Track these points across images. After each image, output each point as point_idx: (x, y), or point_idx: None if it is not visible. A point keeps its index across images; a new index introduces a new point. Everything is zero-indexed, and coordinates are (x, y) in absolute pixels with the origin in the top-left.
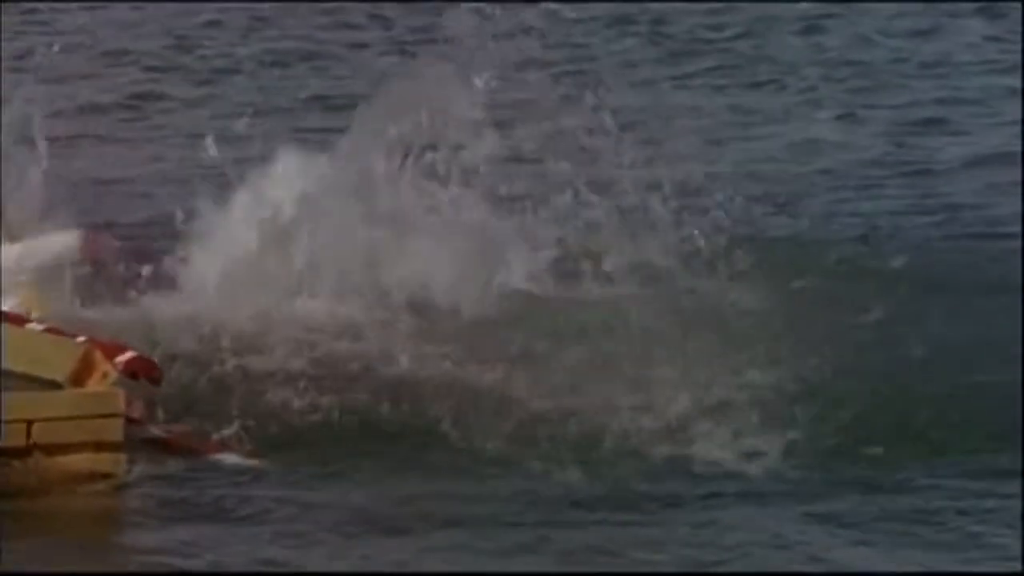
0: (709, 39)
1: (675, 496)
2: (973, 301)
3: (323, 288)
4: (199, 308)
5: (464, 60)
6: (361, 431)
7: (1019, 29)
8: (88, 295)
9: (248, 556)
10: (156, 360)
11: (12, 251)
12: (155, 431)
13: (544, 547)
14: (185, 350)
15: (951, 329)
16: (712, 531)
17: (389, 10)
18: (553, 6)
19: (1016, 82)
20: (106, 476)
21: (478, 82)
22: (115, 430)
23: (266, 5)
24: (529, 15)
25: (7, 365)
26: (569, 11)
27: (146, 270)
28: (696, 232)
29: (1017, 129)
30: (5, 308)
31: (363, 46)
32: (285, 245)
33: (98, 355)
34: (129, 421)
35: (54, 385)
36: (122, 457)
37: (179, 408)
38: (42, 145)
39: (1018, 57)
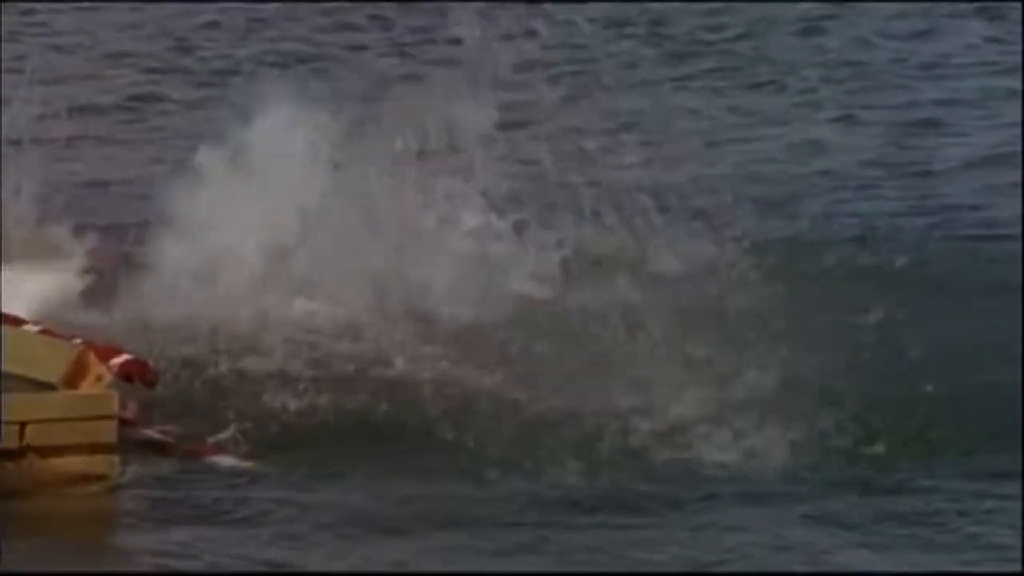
0: (708, 40)
1: (675, 497)
2: (973, 302)
3: (321, 290)
4: (196, 310)
5: (465, 62)
6: (359, 432)
7: (1018, 30)
8: (86, 297)
9: (246, 557)
10: (150, 363)
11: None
12: (150, 433)
13: (543, 548)
14: (182, 352)
15: (951, 330)
16: (712, 532)
17: (389, 11)
18: (553, 8)
19: (1015, 83)
20: (99, 478)
21: (479, 83)
22: (109, 432)
23: (266, 6)
24: (529, 17)
25: (2, 367)
26: (569, 12)
27: (144, 272)
28: (695, 233)
29: (1016, 130)
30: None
31: (363, 47)
32: (283, 247)
33: (92, 357)
34: (123, 423)
35: (48, 387)
36: (115, 459)
37: (176, 410)
38: (41, 147)
39: (1017, 58)
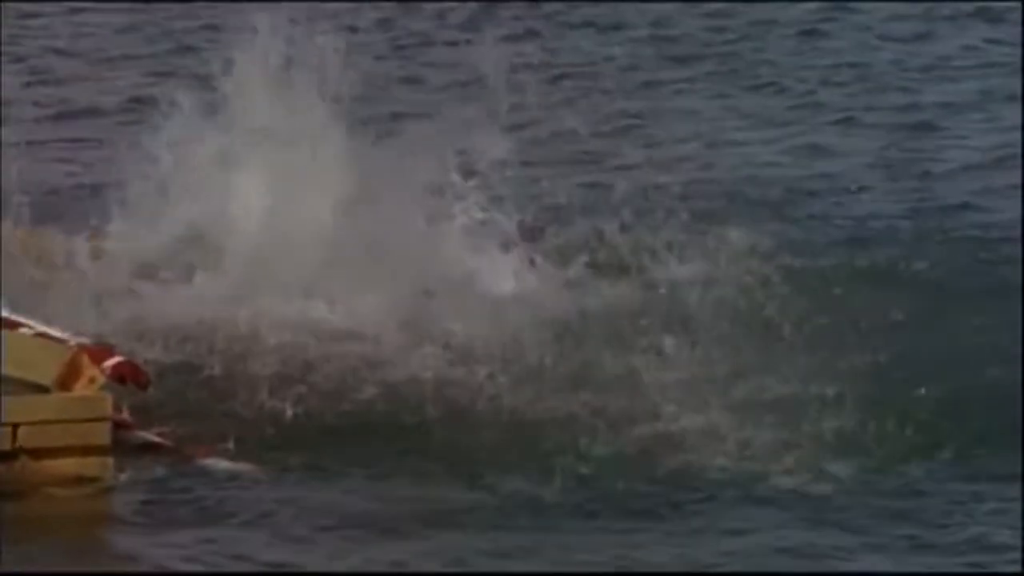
0: (708, 43)
1: (674, 499)
2: (972, 303)
3: (319, 292)
4: (194, 312)
5: (466, 63)
6: (356, 434)
7: (1018, 32)
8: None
9: (245, 558)
10: (142, 365)
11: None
12: (146, 435)
13: (543, 548)
14: (178, 354)
15: (951, 331)
16: (712, 534)
17: (390, 12)
18: (553, 9)
19: (1015, 85)
20: (93, 480)
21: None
22: (102, 434)
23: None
24: (529, 18)
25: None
26: (569, 14)
27: (142, 274)
28: (695, 236)
29: (1016, 133)
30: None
31: (364, 47)
32: (281, 249)
33: (85, 359)
34: (119, 426)
35: (41, 389)
36: (109, 461)
37: (172, 412)
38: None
39: (1017, 60)
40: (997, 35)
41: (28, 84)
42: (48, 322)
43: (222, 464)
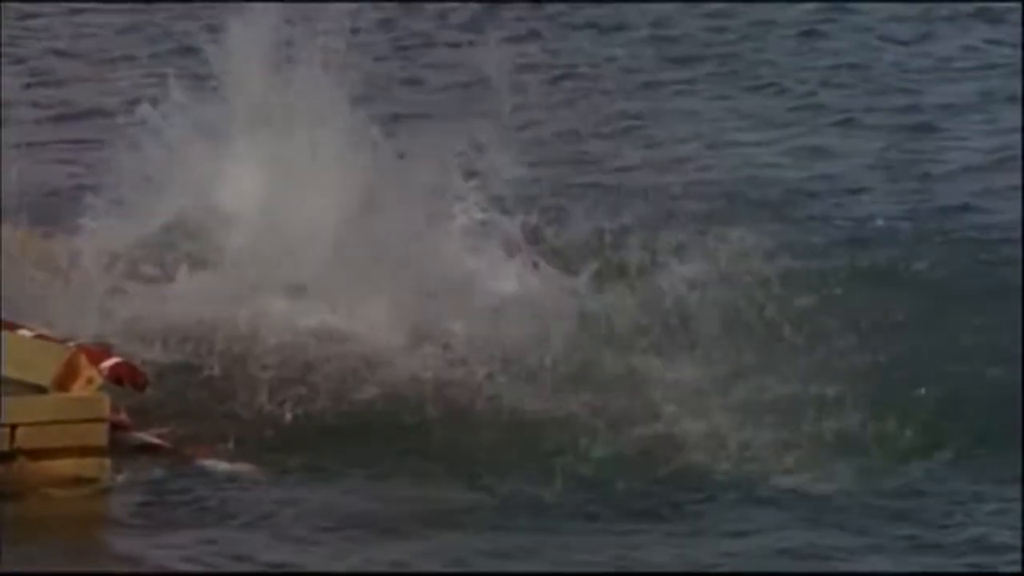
0: (709, 43)
1: (674, 500)
2: (973, 303)
3: (319, 292)
4: (194, 312)
5: (467, 64)
6: (357, 434)
7: (1018, 33)
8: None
9: (244, 559)
10: (140, 366)
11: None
12: (145, 436)
13: (543, 549)
14: (178, 355)
15: (951, 332)
16: (713, 534)
17: (391, 12)
18: (555, 10)
19: (1016, 86)
20: (90, 481)
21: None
22: (99, 435)
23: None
24: (531, 19)
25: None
26: (571, 15)
27: (140, 275)
28: (695, 237)
29: (1017, 134)
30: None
31: (365, 47)
32: (281, 250)
33: (83, 360)
34: (117, 427)
35: (39, 389)
36: (106, 462)
37: (171, 413)
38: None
39: (1018, 61)
40: (997, 36)
41: (28, 85)
42: (48, 324)
43: (221, 465)
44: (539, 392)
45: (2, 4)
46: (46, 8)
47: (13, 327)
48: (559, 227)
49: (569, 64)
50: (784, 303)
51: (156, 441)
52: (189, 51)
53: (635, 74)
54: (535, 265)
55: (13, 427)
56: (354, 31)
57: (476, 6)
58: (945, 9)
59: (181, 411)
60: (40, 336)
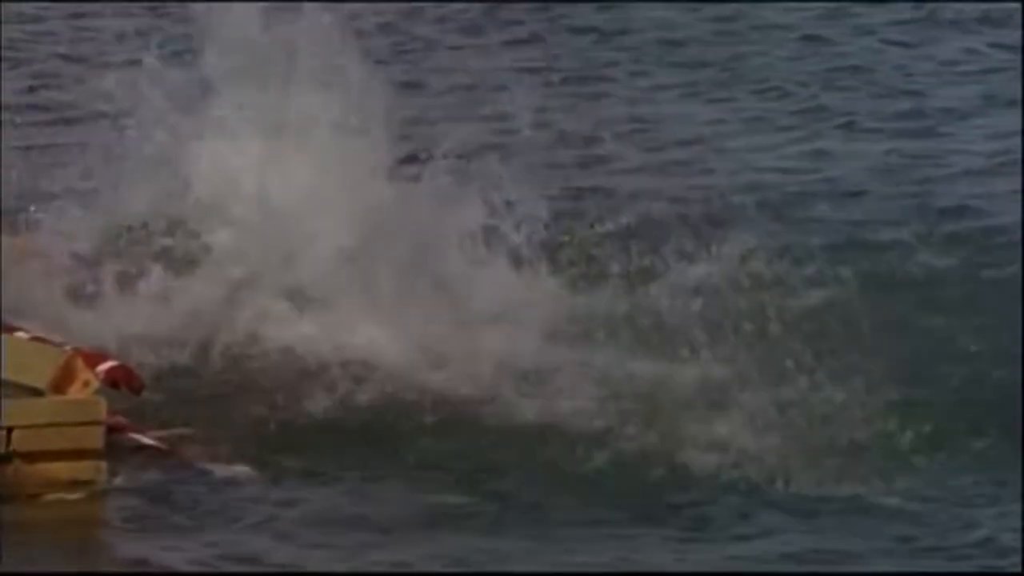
0: (711, 47)
1: (674, 501)
2: (973, 304)
3: (314, 293)
4: (193, 313)
5: (469, 67)
6: (356, 435)
7: (1018, 34)
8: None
9: (244, 559)
10: (136, 369)
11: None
12: (141, 438)
13: (543, 551)
14: (176, 357)
15: (951, 331)
16: (714, 536)
17: (392, 16)
18: (556, 13)
19: (1018, 90)
20: (86, 484)
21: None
22: (95, 438)
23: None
24: (533, 23)
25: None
26: (572, 19)
27: (139, 276)
28: (699, 240)
29: (1019, 138)
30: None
31: (366, 51)
32: (281, 251)
33: (79, 363)
34: (115, 429)
35: (35, 392)
36: (103, 465)
37: (169, 415)
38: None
39: (1018, 63)
40: (1000, 39)
41: (30, 89)
42: (47, 327)
43: (220, 467)
44: (539, 392)
45: (2, 5)
46: (47, 11)
47: (10, 329)
48: (560, 230)
49: (571, 67)
50: (785, 305)
51: (153, 443)
52: (189, 53)
53: (637, 77)
54: (535, 267)
55: (9, 430)
56: (355, 33)
57: (477, 9)
58: (948, 12)
59: (179, 414)
60: (37, 338)
